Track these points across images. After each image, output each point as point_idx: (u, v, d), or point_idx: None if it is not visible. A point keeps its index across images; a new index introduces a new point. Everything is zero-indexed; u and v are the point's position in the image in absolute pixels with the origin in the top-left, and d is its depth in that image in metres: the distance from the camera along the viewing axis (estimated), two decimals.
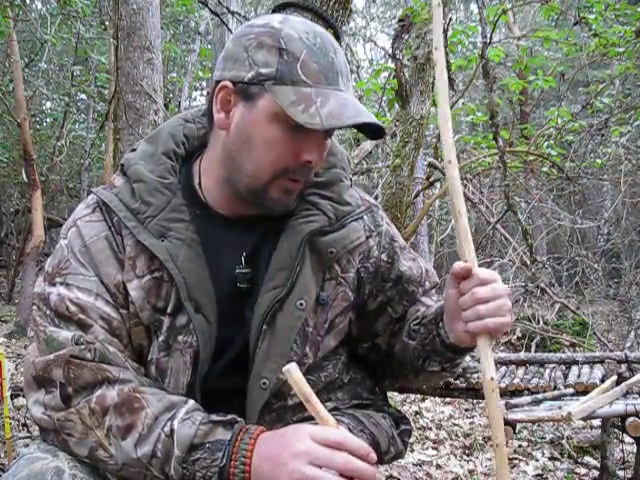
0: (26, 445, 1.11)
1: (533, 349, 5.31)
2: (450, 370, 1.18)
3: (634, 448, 2.51)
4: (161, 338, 1.05)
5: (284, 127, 1.01)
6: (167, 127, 1.16)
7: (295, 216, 1.11)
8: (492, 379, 0.98)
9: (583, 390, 2.26)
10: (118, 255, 1.05)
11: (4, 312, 8.25)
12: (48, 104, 11.95)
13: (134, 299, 1.04)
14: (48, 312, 1.04)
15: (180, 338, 1.04)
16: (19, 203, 10.40)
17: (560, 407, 2.08)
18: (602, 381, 2.29)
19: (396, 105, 4.82)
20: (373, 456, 0.93)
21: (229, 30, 5.93)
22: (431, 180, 5.87)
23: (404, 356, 1.21)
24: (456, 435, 3.69)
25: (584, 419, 2.14)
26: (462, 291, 1.01)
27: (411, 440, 1.29)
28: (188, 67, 11.62)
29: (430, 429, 3.81)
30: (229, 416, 0.99)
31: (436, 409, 4.28)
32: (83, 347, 1.00)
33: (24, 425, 3.34)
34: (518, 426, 2.08)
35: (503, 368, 2.59)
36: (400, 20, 4.34)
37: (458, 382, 2.43)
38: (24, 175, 7.12)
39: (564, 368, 2.57)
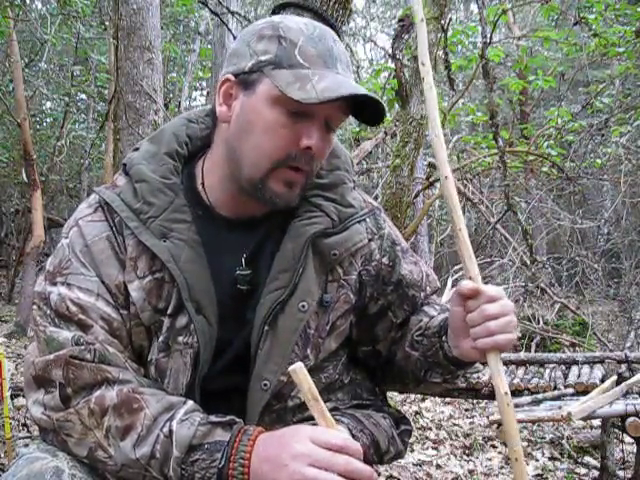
0: (26, 445, 1.11)
1: (533, 349, 5.30)
2: (451, 381, 1.19)
3: (634, 448, 2.51)
4: (161, 339, 1.05)
5: (283, 111, 1.01)
6: (170, 127, 1.16)
7: (298, 218, 1.10)
8: (506, 394, 0.97)
9: (583, 390, 2.26)
10: (119, 255, 1.05)
11: (4, 312, 8.25)
12: (48, 104, 11.95)
13: (135, 300, 1.04)
14: (48, 312, 1.04)
15: (180, 339, 1.04)
16: (19, 203, 10.40)
17: (560, 407, 2.08)
18: (602, 381, 2.30)
19: (396, 105, 4.82)
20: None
21: (229, 30, 5.93)
22: (431, 180, 5.87)
23: (406, 365, 1.21)
24: (456, 435, 3.69)
25: (584, 419, 2.14)
26: (469, 309, 1.01)
27: (411, 440, 1.29)
28: (188, 67, 11.62)
29: (430, 429, 3.81)
30: (228, 417, 0.99)
31: (436, 409, 4.28)
32: (83, 348, 1.00)
33: (24, 425, 3.34)
34: (518, 426, 2.07)
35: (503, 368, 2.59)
36: (400, 20, 4.34)
37: (458, 382, 2.42)
38: (24, 175, 7.12)
39: (564, 368, 2.57)
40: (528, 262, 5.59)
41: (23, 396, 3.51)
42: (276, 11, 2.18)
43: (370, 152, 6.09)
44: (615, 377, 2.30)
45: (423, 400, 4.37)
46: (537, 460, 3.17)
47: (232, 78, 1.05)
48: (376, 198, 6.19)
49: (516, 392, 2.35)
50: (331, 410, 1.09)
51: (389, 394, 1.35)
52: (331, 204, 1.12)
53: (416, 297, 1.23)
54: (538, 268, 5.55)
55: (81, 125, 11.55)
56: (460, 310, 1.03)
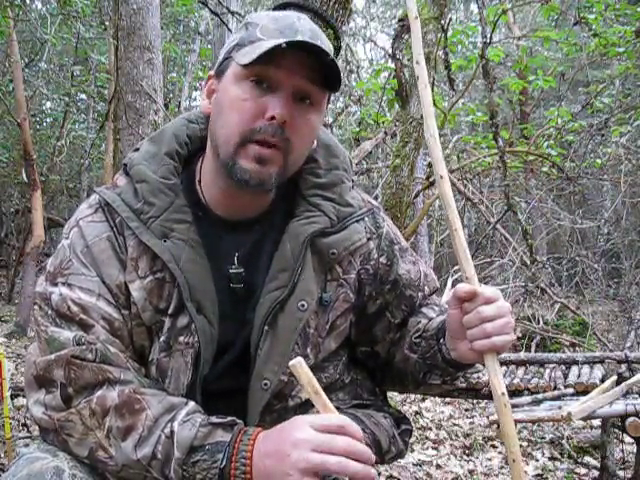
0: (26, 445, 1.11)
1: (533, 349, 5.30)
2: (450, 383, 1.19)
3: (634, 448, 2.51)
4: (162, 339, 1.05)
5: (246, 85, 1.02)
6: (171, 128, 1.16)
7: (297, 217, 1.11)
8: (503, 394, 0.97)
9: (583, 390, 2.26)
10: (120, 256, 1.05)
11: (4, 312, 8.25)
12: (48, 104, 11.94)
13: (136, 300, 1.04)
14: (49, 312, 1.04)
15: (181, 339, 1.04)
16: (19, 203, 10.40)
17: (560, 407, 2.08)
18: (602, 381, 2.30)
19: (396, 105, 4.82)
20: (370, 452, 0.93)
21: (229, 30, 5.93)
22: (431, 180, 5.87)
23: (405, 367, 1.21)
24: (456, 435, 3.69)
25: (584, 419, 2.14)
26: (466, 310, 1.01)
27: (411, 440, 1.29)
28: (188, 67, 11.62)
29: (430, 429, 3.81)
30: (229, 418, 0.99)
31: (436, 409, 4.28)
32: (84, 347, 1.00)
33: (24, 425, 3.34)
34: (518, 426, 2.08)
35: (503, 368, 2.59)
36: (400, 20, 4.34)
37: (458, 382, 2.42)
38: (24, 175, 7.12)
39: (564, 368, 2.57)
40: (528, 262, 5.59)
41: (23, 396, 3.51)
42: (275, 11, 2.18)
43: (370, 152, 6.09)
44: (615, 377, 2.30)
45: (423, 400, 4.37)
46: (537, 460, 3.17)
47: (212, 74, 1.10)
48: (376, 198, 6.19)
49: (516, 392, 2.35)
50: None
51: (389, 394, 1.35)
52: (330, 203, 1.12)
53: (414, 297, 1.23)
54: (538, 268, 5.55)
55: (81, 125, 11.55)
56: (457, 312, 1.03)
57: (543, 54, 7.14)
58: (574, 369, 2.51)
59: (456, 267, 7.20)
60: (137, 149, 1.14)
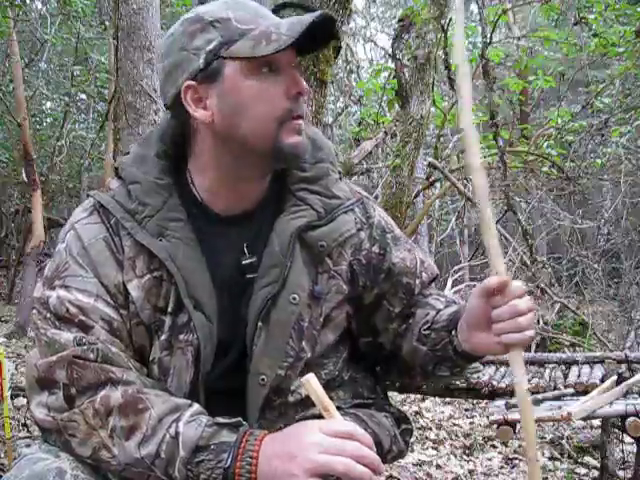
0: (27, 445, 1.11)
1: (533, 349, 5.30)
2: (459, 374, 1.19)
3: (634, 448, 2.51)
4: (163, 337, 1.05)
5: (260, 76, 1.03)
6: (157, 130, 1.17)
7: (284, 212, 1.12)
8: (528, 390, 0.98)
9: (583, 390, 2.26)
10: (117, 256, 1.06)
11: (4, 312, 8.25)
12: (48, 104, 11.94)
13: (134, 299, 1.04)
14: (48, 315, 1.04)
15: (181, 337, 1.05)
16: (19, 203, 10.40)
17: (560, 407, 2.08)
18: (602, 381, 2.29)
19: (396, 105, 4.82)
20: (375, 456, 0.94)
21: None
22: (431, 180, 5.88)
23: (413, 359, 1.20)
24: (456, 435, 3.69)
25: (584, 419, 2.15)
26: (496, 303, 1.00)
27: (411, 440, 1.29)
28: None
29: (430, 429, 3.81)
30: (234, 419, 0.99)
31: (436, 409, 4.28)
32: (86, 347, 1.00)
33: (24, 425, 3.34)
34: (518, 426, 2.08)
35: (503, 368, 2.59)
36: (400, 20, 4.35)
37: (458, 382, 2.42)
38: (24, 175, 7.12)
39: (564, 368, 2.57)
40: (528, 262, 5.59)
41: (23, 396, 3.51)
42: (275, 11, 2.18)
43: (370, 152, 6.08)
44: (615, 377, 2.30)
45: (423, 400, 4.37)
46: (537, 460, 3.16)
47: (192, 83, 1.05)
48: (376, 198, 6.19)
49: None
50: None
51: (389, 394, 1.35)
52: (316, 197, 1.13)
53: (411, 284, 1.22)
54: (538, 268, 5.55)
55: (81, 125, 11.55)
56: (483, 305, 1.02)
57: (543, 54, 7.14)
58: (574, 369, 2.51)
59: (456, 267, 7.20)
60: (127, 153, 1.15)
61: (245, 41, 1.02)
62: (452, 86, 4.81)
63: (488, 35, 4.20)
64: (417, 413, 4.13)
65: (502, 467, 3.11)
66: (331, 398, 0.96)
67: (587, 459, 3.14)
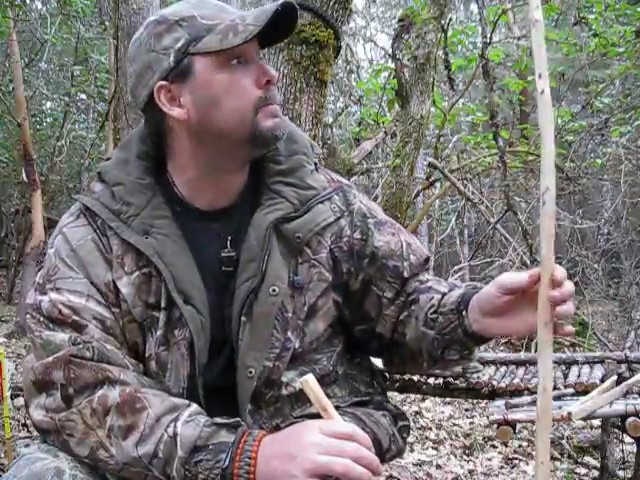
0: (26, 445, 1.11)
1: (533, 349, 5.30)
2: (468, 357, 1.17)
3: (634, 448, 2.51)
4: (159, 333, 1.06)
5: (230, 68, 1.05)
6: (136, 133, 1.18)
7: (261, 206, 1.13)
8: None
9: (583, 390, 2.26)
10: (106, 255, 1.07)
11: (4, 312, 8.24)
12: (48, 104, 11.93)
13: (125, 296, 1.06)
14: (42, 319, 1.05)
15: (176, 332, 1.06)
16: (19, 203, 10.39)
17: (560, 407, 2.08)
18: (602, 381, 2.29)
19: (396, 105, 4.82)
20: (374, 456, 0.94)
21: None
22: (431, 180, 5.87)
23: (419, 345, 1.18)
24: (456, 435, 3.69)
25: (584, 419, 2.14)
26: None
27: (411, 440, 1.30)
28: None
29: (430, 429, 3.81)
30: (232, 419, 0.99)
31: (436, 409, 4.28)
32: (81, 346, 1.01)
33: (24, 425, 3.34)
34: (518, 426, 2.08)
35: (503, 368, 2.59)
36: (400, 20, 4.35)
37: (458, 382, 2.42)
38: (24, 175, 7.11)
39: (564, 368, 2.56)
40: (528, 262, 5.58)
41: (23, 396, 3.51)
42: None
43: (370, 152, 6.09)
44: (615, 377, 2.30)
45: (423, 400, 4.37)
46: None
47: (164, 83, 1.06)
48: (376, 198, 6.19)
49: (516, 392, 2.35)
50: None
51: (389, 394, 1.35)
52: (291, 189, 1.13)
53: (398, 267, 1.20)
54: None
55: (81, 125, 11.55)
56: (502, 297, 1.00)
57: None
58: (574, 369, 2.51)
59: (456, 267, 7.20)
60: (109, 158, 1.17)
61: (212, 35, 1.03)
62: (452, 86, 4.81)
63: (488, 35, 4.20)
64: (417, 413, 4.13)
65: (502, 467, 3.11)
66: (327, 395, 0.96)
67: (587, 459, 3.14)
